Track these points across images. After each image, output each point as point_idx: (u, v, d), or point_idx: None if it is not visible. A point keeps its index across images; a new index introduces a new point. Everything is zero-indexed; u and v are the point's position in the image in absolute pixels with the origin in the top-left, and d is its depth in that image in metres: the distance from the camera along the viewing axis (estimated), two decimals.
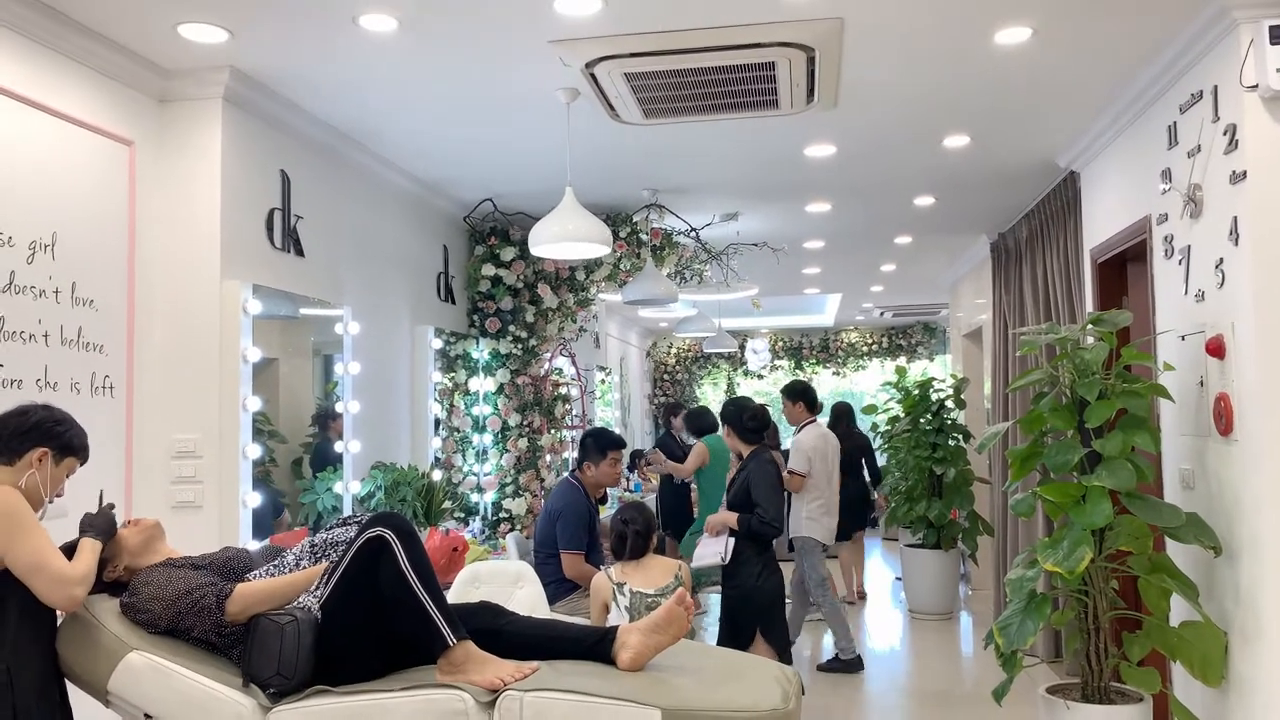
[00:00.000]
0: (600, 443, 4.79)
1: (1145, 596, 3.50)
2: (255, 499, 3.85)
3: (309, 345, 4.56)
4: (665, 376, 14.40)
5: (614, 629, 2.61)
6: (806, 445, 5.99)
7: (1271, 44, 3.10)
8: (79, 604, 2.37)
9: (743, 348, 14.19)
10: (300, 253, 4.33)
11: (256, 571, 2.63)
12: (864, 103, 4.26)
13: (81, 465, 2.53)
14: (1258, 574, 3.21)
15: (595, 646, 2.57)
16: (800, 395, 6.27)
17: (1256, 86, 3.19)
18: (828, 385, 14.33)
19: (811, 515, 5.92)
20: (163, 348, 3.76)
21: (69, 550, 2.40)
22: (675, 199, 5.97)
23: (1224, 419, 3.37)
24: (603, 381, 10.17)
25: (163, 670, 2.41)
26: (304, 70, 3.80)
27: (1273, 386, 3.17)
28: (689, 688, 2.43)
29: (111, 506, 2.58)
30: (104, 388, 3.48)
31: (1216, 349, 3.40)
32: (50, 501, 2.45)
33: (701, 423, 7.09)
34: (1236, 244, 3.30)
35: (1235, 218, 3.30)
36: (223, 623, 2.45)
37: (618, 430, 10.32)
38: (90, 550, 2.41)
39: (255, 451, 3.86)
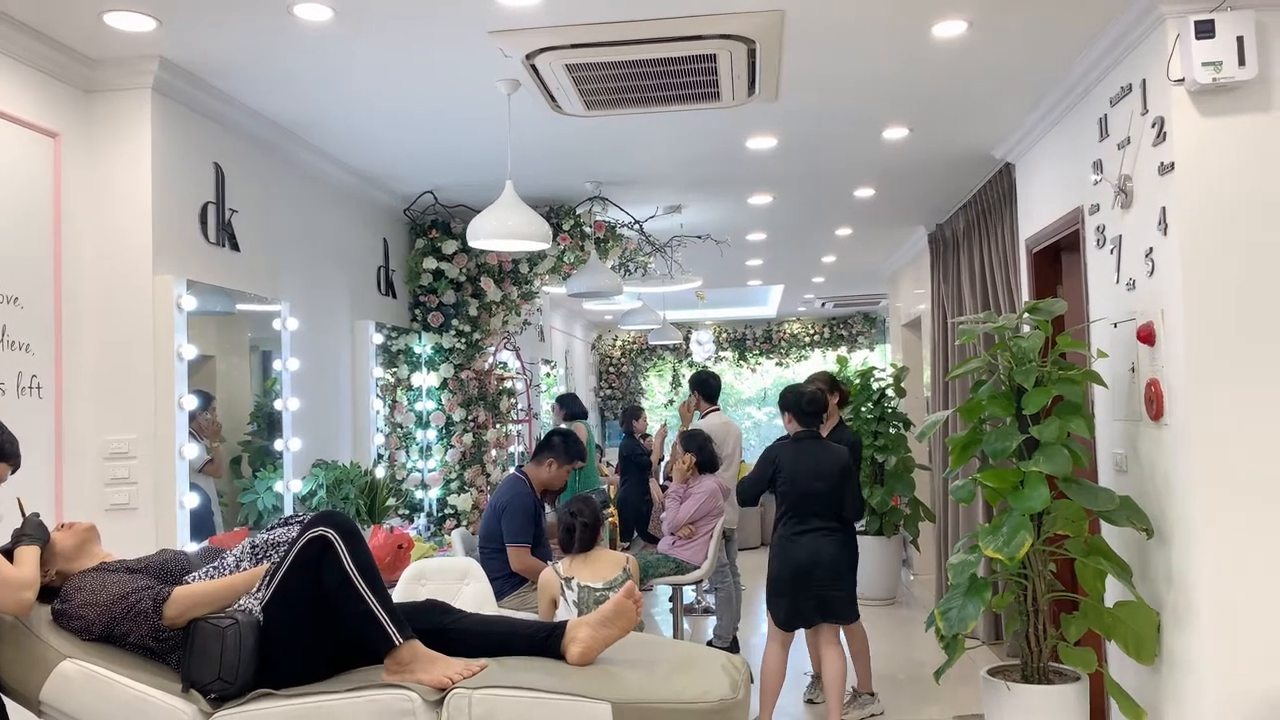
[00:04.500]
0: (571, 450, 4.80)
1: (1081, 578, 3.59)
2: (193, 500, 3.76)
3: (246, 341, 4.47)
4: (611, 369, 14.39)
5: (562, 624, 2.60)
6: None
7: (1197, 39, 3.19)
8: (29, 608, 2.32)
9: (687, 339, 14.24)
10: (236, 247, 4.23)
11: (195, 574, 2.56)
12: (805, 95, 4.29)
13: (13, 473, 2.45)
14: (1188, 555, 3.31)
15: (544, 642, 2.56)
16: (697, 387, 6.40)
17: (1183, 80, 3.27)
18: (771, 375, 14.46)
19: None
20: (93, 346, 3.65)
21: (6, 556, 2.33)
22: (618, 191, 5.95)
23: (1155, 404, 3.46)
24: (548, 375, 10.12)
25: (98, 678, 2.34)
26: (237, 60, 3.71)
27: (1201, 372, 3.27)
28: (638, 680, 2.43)
29: (36, 514, 2.50)
30: (31, 388, 3.37)
31: (1147, 336, 3.49)
32: None
33: (576, 407, 7.53)
34: (1165, 234, 3.39)
35: (1164, 208, 3.39)
36: (160, 627, 2.39)
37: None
38: (31, 555, 2.36)
39: (192, 451, 3.77)
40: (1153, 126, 3.43)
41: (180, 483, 3.69)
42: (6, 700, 2.41)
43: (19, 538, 2.41)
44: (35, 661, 2.35)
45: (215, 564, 2.58)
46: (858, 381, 7.80)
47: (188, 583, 2.51)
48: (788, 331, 14.22)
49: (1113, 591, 3.71)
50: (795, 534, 4.44)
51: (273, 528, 2.66)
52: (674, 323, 11.64)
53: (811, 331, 14.17)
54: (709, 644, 6.08)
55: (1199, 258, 3.29)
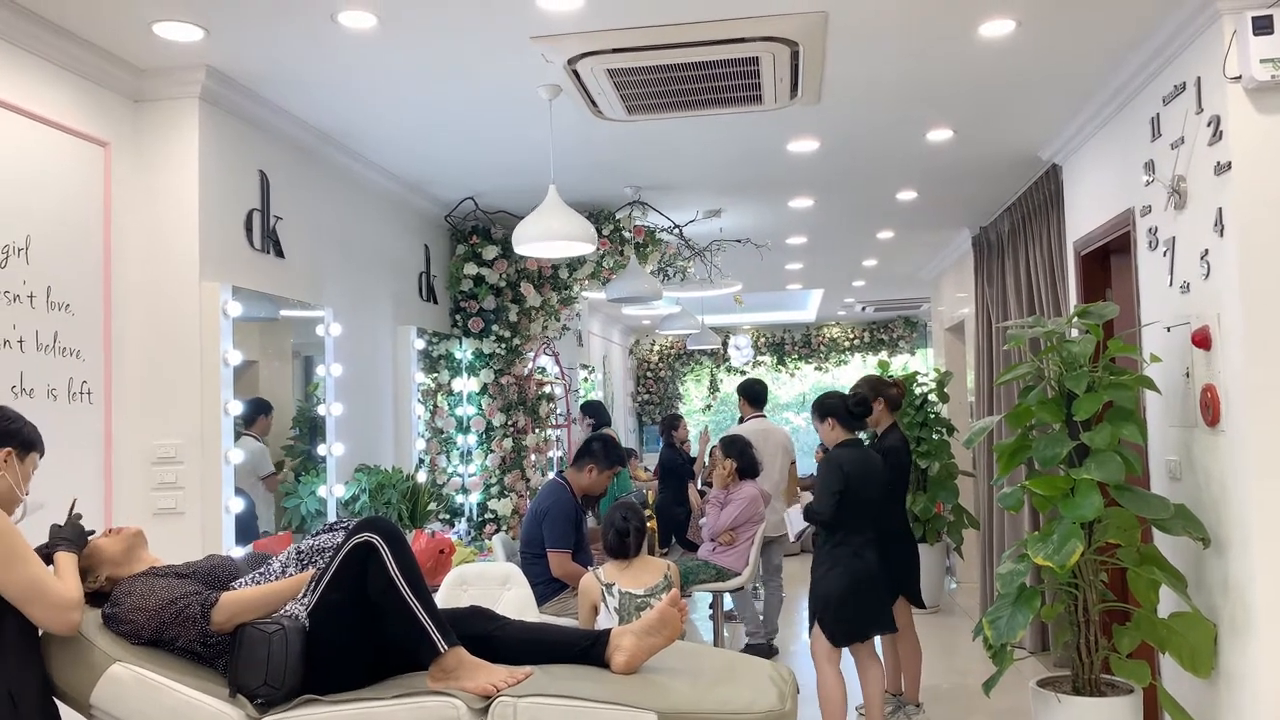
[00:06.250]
0: (611, 454, 4.81)
1: (1134, 588, 3.50)
2: (238, 504, 3.79)
3: (289, 347, 4.51)
4: (648, 374, 14.38)
5: (607, 632, 2.58)
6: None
7: (1255, 35, 3.11)
8: (77, 628, 2.32)
9: (725, 344, 14.18)
10: (280, 254, 4.27)
11: (242, 579, 2.58)
12: (847, 97, 4.24)
13: (41, 459, 2.46)
14: (1246, 565, 3.22)
15: (588, 650, 2.55)
16: (744, 393, 6.72)
17: (1240, 78, 3.19)
18: (810, 380, 14.36)
19: None
20: (141, 352, 3.69)
21: (44, 559, 2.35)
22: (658, 196, 5.94)
23: (1211, 410, 3.37)
24: (586, 380, 10.13)
25: (147, 682, 2.36)
26: (282, 68, 3.75)
27: (1259, 376, 3.18)
28: (684, 690, 2.40)
29: (80, 516, 2.52)
30: (82, 393, 3.42)
31: (1202, 340, 3.41)
32: (25, 498, 2.40)
33: (601, 415, 7.61)
34: (1221, 235, 3.30)
35: (1220, 209, 3.30)
36: (208, 632, 2.40)
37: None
38: (71, 566, 2.36)
39: (238, 456, 3.80)
40: (1208, 125, 3.35)
41: (226, 487, 3.73)
42: (59, 704, 2.43)
43: (57, 540, 2.42)
44: (86, 665, 2.37)
45: (262, 570, 2.59)
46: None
47: (235, 588, 2.52)
48: (827, 336, 14.12)
49: (1167, 602, 3.62)
50: (857, 546, 4.25)
51: (318, 533, 2.67)
52: (712, 327, 11.59)
53: (851, 336, 14.05)
54: (747, 636, 6.15)
55: (1257, 259, 3.20)
